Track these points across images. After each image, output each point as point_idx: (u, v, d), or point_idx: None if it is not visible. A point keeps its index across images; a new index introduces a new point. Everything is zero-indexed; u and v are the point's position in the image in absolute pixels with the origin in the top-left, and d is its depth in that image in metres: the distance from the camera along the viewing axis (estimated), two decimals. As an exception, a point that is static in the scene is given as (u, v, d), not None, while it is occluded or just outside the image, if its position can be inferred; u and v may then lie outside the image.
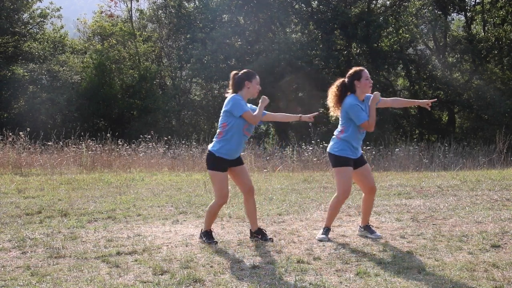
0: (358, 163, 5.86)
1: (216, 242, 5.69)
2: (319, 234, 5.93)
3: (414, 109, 27.27)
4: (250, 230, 5.94)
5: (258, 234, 5.83)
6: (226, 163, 5.66)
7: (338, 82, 5.92)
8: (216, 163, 5.64)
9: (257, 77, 5.80)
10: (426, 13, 26.68)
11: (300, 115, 6.13)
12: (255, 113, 5.67)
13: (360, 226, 6.10)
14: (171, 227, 6.53)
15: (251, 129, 5.79)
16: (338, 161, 5.79)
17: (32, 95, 25.15)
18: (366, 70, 5.87)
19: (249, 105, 5.80)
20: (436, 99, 6.09)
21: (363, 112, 5.74)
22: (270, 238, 5.80)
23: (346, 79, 5.86)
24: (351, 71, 5.87)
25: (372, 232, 5.96)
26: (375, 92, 5.87)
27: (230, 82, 5.78)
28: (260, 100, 5.79)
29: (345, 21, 25.70)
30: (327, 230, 5.94)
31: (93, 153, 13.66)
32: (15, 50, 26.47)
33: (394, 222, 6.62)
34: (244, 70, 5.82)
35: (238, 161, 5.80)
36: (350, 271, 4.70)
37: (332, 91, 5.92)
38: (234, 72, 5.83)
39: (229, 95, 5.76)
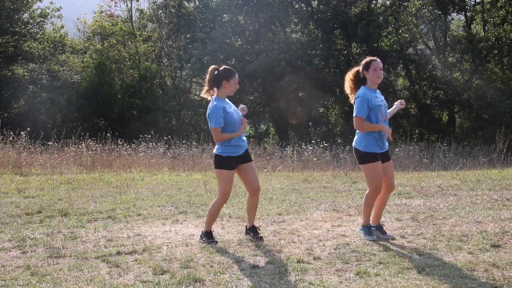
0: (384, 158, 5.77)
1: (217, 242, 5.70)
2: (363, 235, 5.83)
3: (414, 109, 27.30)
4: (246, 226, 5.99)
5: (251, 232, 5.87)
6: (233, 161, 5.67)
7: (354, 70, 5.87)
8: (224, 163, 5.65)
9: (236, 76, 5.71)
10: (426, 13, 26.69)
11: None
12: (226, 135, 5.57)
13: (372, 226, 5.91)
14: (171, 227, 6.53)
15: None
16: (364, 157, 5.71)
17: (32, 95, 25.16)
18: (377, 61, 5.74)
19: (232, 107, 5.75)
20: (403, 101, 6.06)
21: (365, 107, 5.62)
22: (260, 237, 5.80)
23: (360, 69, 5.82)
24: (363, 61, 5.83)
25: (384, 233, 5.87)
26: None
27: (207, 78, 5.71)
28: (245, 121, 5.70)
29: (345, 21, 25.71)
30: (368, 228, 5.83)
31: (93, 153, 13.66)
32: (15, 50, 26.49)
33: (394, 222, 6.61)
34: (223, 68, 5.73)
35: (246, 158, 5.79)
36: (350, 271, 4.70)
37: (347, 77, 5.91)
38: (213, 67, 5.75)
39: (211, 100, 5.68)
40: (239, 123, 5.68)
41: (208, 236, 5.75)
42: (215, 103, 5.62)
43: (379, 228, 5.92)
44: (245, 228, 6.01)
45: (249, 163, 5.81)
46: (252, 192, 5.84)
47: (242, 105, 6.01)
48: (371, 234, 5.78)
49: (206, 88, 5.74)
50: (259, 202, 7.98)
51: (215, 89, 5.70)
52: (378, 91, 5.84)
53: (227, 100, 5.77)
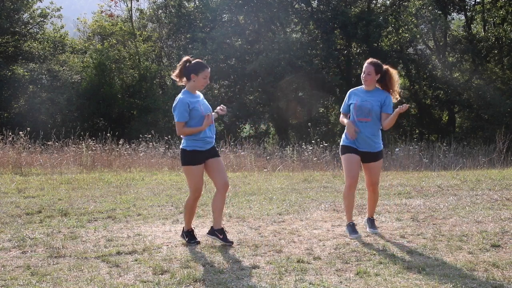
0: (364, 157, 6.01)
1: (199, 242, 5.63)
2: (348, 235, 5.98)
3: (414, 108, 27.30)
4: (212, 226, 5.76)
5: (220, 234, 5.65)
6: (199, 157, 5.60)
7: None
8: (191, 158, 5.60)
9: (207, 70, 5.62)
10: (426, 13, 26.68)
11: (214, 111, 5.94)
12: (187, 129, 5.55)
13: (354, 224, 6.10)
14: (171, 226, 6.53)
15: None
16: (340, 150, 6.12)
17: (32, 95, 25.16)
18: (368, 64, 5.94)
19: (200, 101, 5.63)
20: (408, 105, 6.06)
21: (346, 104, 6.06)
22: (230, 242, 5.62)
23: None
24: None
25: (372, 227, 6.15)
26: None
27: (178, 67, 5.68)
28: (208, 116, 5.60)
29: (345, 20, 25.70)
30: (351, 226, 6.04)
31: (93, 152, 13.65)
32: (15, 50, 26.48)
33: (394, 222, 6.61)
34: (195, 61, 5.67)
35: (213, 153, 5.72)
36: (350, 271, 4.71)
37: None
38: (186, 58, 5.70)
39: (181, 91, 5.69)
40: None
41: (189, 235, 5.70)
42: (181, 96, 5.62)
43: (369, 220, 6.20)
44: (210, 227, 5.78)
45: (216, 158, 5.72)
46: (220, 188, 5.69)
47: (221, 106, 5.90)
48: (355, 232, 5.94)
49: (176, 72, 5.69)
50: (259, 202, 8.00)
51: (184, 79, 5.68)
52: (372, 92, 5.97)
53: (197, 93, 5.72)
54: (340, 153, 6.09)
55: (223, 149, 13.83)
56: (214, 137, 5.77)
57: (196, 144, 5.60)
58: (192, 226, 6.04)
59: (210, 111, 5.73)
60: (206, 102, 5.77)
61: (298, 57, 25.48)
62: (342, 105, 6.12)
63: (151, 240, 5.82)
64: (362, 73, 5.96)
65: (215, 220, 5.71)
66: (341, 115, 6.11)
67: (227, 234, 5.72)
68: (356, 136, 5.89)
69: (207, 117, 5.59)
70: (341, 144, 6.06)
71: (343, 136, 6.05)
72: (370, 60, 6.02)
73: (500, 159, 13.87)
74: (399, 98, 6.06)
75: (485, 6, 27.15)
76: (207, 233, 5.76)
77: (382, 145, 6.06)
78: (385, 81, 5.97)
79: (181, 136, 5.66)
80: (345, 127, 5.98)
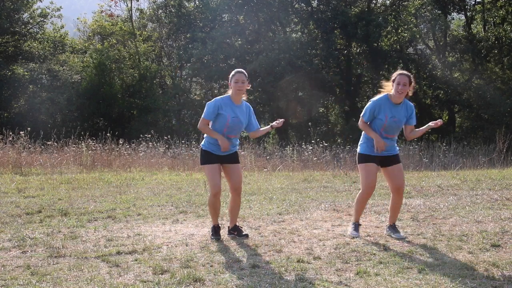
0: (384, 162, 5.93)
1: (218, 239, 5.80)
2: (349, 232, 6.02)
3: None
4: (228, 227, 6.08)
5: (235, 231, 5.96)
6: (213, 157, 5.80)
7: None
8: (204, 157, 5.86)
9: (235, 75, 5.77)
10: (426, 13, 26.70)
11: (271, 124, 6.10)
12: (207, 129, 5.75)
13: (359, 224, 6.13)
14: (171, 226, 6.53)
15: (232, 131, 5.79)
16: (358, 158, 6.01)
17: (32, 95, 25.16)
18: (403, 75, 5.74)
19: (235, 111, 5.77)
20: (442, 121, 5.96)
21: (368, 113, 5.81)
22: (245, 235, 5.90)
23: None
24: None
25: (395, 232, 5.96)
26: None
27: None
28: (224, 141, 5.75)
29: (345, 20, 25.71)
30: (355, 225, 6.07)
31: (93, 152, 13.66)
32: (15, 50, 26.49)
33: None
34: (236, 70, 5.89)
35: (231, 159, 5.89)
36: (350, 271, 4.70)
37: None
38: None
39: None
40: (231, 129, 5.74)
41: (213, 231, 5.93)
42: (218, 98, 5.84)
43: (391, 227, 6.01)
44: (227, 228, 6.09)
45: (233, 164, 5.89)
46: (232, 192, 5.97)
47: (278, 120, 5.99)
48: (356, 232, 5.96)
49: None
50: (259, 202, 8.01)
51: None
52: (400, 107, 5.81)
53: (241, 104, 5.83)
54: (357, 161, 5.98)
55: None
56: (234, 147, 5.93)
57: (210, 147, 5.83)
58: (193, 225, 6.05)
59: (243, 124, 5.82)
60: (244, 117, 5.82)
61: (298, 57, 25.49)
62: (365, 112, 5.81)
63: (151, 240, 5.82)
64: (397, 84, 5.67)
65: (230, 220, 6.06)
66: (364, 124, 5.85)
67: (242, 229, 6.00)
68: (385, 149, 5.83)
69: (223, 140, 5.71)
70: (359, 152, 5.92)
71: (363, 144, 5.90)
72: (402, 71, 5.82)
73: (500, 159, 13.88)
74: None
75: (485, 6, 27.16)
76: (227, 234, 6.02)
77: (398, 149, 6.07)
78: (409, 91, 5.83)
79: (198, 128, 5.89)
80: (372, 139, 5.80)
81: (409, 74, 5.83)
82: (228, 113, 5.73)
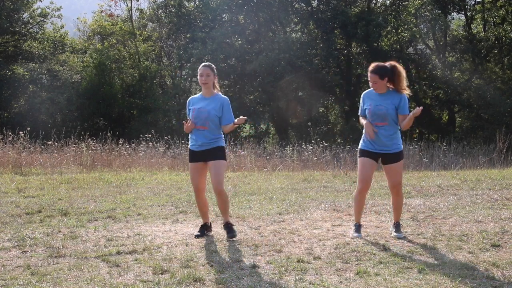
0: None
1: (198, 236, 5.86)
2: (351, 233, 6.00)
3: (414, 108, 27.27)
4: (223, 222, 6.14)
5: (225, 229, 5.98)
6: (194, 154, 5.92)
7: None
8: (188, 155, 6.08)
9: (201, 69, 5.92)
10: (426, 13, 26.69)
11: (233, 121, 5.98)
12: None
13: (360, 225, 6.11)
14: (171, 226, 6.53)
15: (198, 121, 5.85)
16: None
17: (32, 95, 25.16)
18: (369, 73, 5.87)
19: (200, 104, 5.88)
20: (422, 107, 5.92)
21: (362, 108, 5.99)
22: (230, 234, 5.88)
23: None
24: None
25: (397, 231, 5.97)
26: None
27: None
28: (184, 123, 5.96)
29: (345, 20, 25.71)
30: (356, 226, 6.05)
31: (93, 152, 13.65)
32: (15, 50, 26.49)
33: (394, 222, 6.60)
34: None
35: (211, 155, 5.87)
36: (350, 271, 4.70)
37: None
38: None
39: None
40: (197, 119, 5.84)
41: (200, 227, 6.05)
42: (192, 96, 6.12)
43: (394, 225, 6.02)
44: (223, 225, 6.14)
45: (214, 161, 5.85)
46: (213, 191, 6.00)
47: (241, 117, 6.05)
48: (357, 233, 5.94)
49: None
50: (259, 202, 8.00)
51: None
52: (383, 96, 5.85)
53: (211, 96, 5.93)
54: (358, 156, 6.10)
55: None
56: (210, 141, 5.87)
57: (190, 143, 6.00)
58: (193, 225, 6.04)
59: (205, 115, 5.80)
60: (213, 107, 5.83)
61: (298, 57, 25.48)
62: (359, 108, 6.04)
63: (151, 240, 5.82)
64: (369, 82, 5.85)
65: (222, 217, 6.12)
66: (360, 118, 6.03)
67: (233, 226, 6.01)
68: (375, 136, 5.81)
69: (184, 123, 5.88)
70: (359, 147, 6.04)
71: (362, 138, 5.99)
72: (371, 67, 5.84)
73: (500, 158, 13.88)
74: (411, 94, 6.04)
75: (485, 5, 27.16)
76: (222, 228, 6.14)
77: (401, 146, 5.94)
78: (394, 80, 5.80)
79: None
80: (364, 128, 5.92)
81: (379, 67, 5.79)
82: (195, 106, 5.90)
